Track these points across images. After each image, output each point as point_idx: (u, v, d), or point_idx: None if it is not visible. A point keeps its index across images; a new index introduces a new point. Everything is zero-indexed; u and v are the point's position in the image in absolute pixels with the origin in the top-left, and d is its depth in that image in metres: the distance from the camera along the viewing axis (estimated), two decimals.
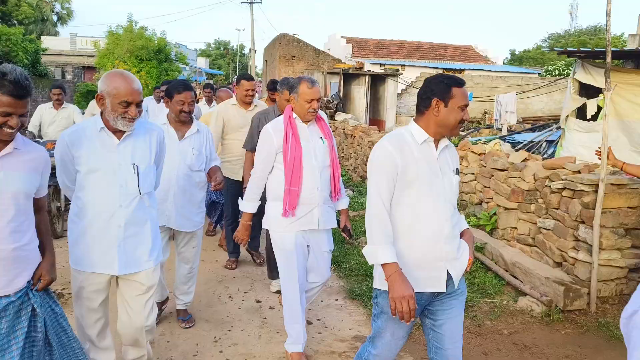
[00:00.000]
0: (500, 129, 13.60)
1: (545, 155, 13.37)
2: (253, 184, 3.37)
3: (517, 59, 45.26)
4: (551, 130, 15.12)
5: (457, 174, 2.47)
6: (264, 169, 3.32)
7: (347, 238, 3.69)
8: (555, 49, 10.46)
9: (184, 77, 32.19)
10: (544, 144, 14.33)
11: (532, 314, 4.25)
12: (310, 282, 3.48)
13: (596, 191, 4.33)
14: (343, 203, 3.55)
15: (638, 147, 10.11)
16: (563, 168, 4.94)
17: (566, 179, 4.70)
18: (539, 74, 23.25)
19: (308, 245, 3.37)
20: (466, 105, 2.32)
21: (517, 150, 13.72)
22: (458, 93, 2.28)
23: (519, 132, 16.30)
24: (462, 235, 2.46)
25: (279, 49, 20.71)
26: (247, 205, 3.41)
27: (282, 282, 3.35)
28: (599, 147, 4.30)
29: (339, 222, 3.55)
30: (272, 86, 5.08)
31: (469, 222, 6.02)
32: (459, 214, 2.49)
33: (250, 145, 4.27)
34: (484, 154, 6.30)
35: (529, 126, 17.62)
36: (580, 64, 10.77)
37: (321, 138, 3.36)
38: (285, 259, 3.29)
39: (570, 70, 10.75)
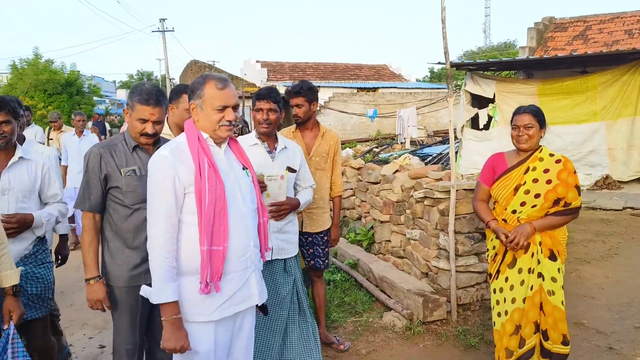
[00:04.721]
0: (403, 143, 13.82)
1: (448, 166, 13.75)
2: (160, 255, 2.09)
3: (436, 76, 47.13)
4: (459, 141, 15.64)
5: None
6: (172, 223, 2.11)
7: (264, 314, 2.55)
8: (440, 62, 10.78)
9: (101, 110, 31.08)
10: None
11: (394, 329, 4.11)
12: None
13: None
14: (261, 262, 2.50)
15: None
16: (427, 177, 4.91)
17: (426, 188, 4.66)
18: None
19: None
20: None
21: (426, 164, 14.04)
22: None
23: (429, 146, 16.71)
24: None
25: (191, 77, 20.36)
26: (166, 290, 2.08)
27: None
28: None
29: None
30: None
31: (347, 239, 5.89)
32: None
33: (89, 202, 2.51)
34: (362, 168, 6.22)
35: (439, 139, 18.16)
36: (470, 76, 11.16)
37: (244, 168, 2.36)
38: None
39: None
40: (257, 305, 2.39)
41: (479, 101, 11.26)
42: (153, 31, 30.53)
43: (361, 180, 6.02)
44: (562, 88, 9.87)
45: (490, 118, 10.88)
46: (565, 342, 2.97)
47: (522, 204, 3.02)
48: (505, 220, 3.07)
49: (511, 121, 3.16)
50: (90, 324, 4.52)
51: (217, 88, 2.19)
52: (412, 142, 16.59)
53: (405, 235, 5.01)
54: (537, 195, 2.99)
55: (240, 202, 2.24)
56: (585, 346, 3.77)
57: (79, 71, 26.99)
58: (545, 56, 11.94)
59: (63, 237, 3.38)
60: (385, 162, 14.14)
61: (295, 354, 3.22)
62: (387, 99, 20.03)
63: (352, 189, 6.24)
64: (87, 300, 2.52)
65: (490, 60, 12.32)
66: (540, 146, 3.12)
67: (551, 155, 3.08)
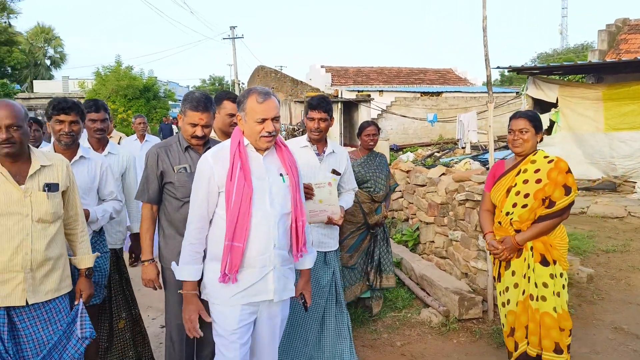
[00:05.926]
0: (464, 148, 13.73)
1: None
2: (189, 240, 2.47)
3: (508, 80, 45.75)
4: None
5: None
6: (202, 215, 2.44)
7: (305, 309, 2.84)
8: (500, 66, 10.66)
9: (174, 114, 32.73)
10: None
11: (431, 324, 4.29)
12: None
13: None
14: (308, 261, 2.71)
15: (592, 158, 10.25)
16: (470, 180, 5.05)
17: (467, 190, 4.80)
18: (517, 92, 23.49)
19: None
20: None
21: (488, 169, 13.83)
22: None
23: None
24: None
25: (258, 82, 21.18)
26: (185, 270, 2.47)
27: None
28: None
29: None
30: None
31: (394, 239, 6.09)
32: None
33: (147, 195, 2.92)
34: (410, 170, 6.40)
35: (503, 144, 17.80)
36: (532, 80, 11.00)
37: (281, 175, 2.51)
38: (224, 345, 2.46)
39: None
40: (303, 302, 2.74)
41: (541, 106, 11.05)
42: (224, 38, 31.88)
43: (409, 183, 6.21)
44: (629, 93, 9.54)
45: (552, 123, 10.66)
46: (558, 350, 2.91)
47: (514, 205, 3.04)
48: (500, 223, 3.12)
49: (508, 125, 3.20)
50: (154, 306, 5.02)
51: (257, 102, 2.39)
52: (475, 147, 16.40)
53: (447, 236, 5.16)
54: (526, 195, 3.00)
55: (267, 205, 2.41)
56: (621, 350, 3.80)
57: (156, 77, 28.49)
58: (609, 60, 11.51)
59: (137, 236, 3.52)
60: (446, 166, 14.12)
61: (331, 340, 3.52)
62: (450, 103, 19.88)
63: (400, 191, 6.44)
64: (142, 279, 2.92)
65: (551, 64, 12.05)
66: (537, 150, 3.14)
67: (545, 157, 3.08)
